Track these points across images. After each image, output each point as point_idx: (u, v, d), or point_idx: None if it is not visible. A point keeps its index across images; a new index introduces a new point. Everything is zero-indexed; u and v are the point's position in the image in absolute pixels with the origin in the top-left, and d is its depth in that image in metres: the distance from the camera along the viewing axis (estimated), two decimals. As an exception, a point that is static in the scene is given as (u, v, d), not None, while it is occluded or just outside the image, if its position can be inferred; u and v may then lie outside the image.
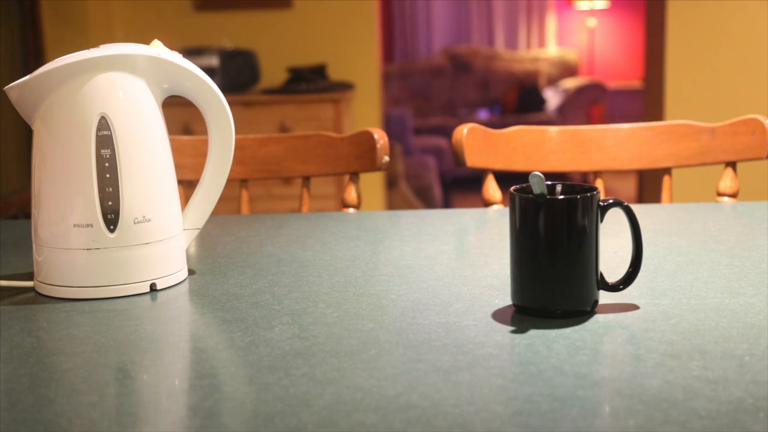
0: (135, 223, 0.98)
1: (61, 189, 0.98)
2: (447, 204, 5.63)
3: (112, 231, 0.97)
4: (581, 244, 0.85)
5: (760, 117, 1.53)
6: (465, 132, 1.55)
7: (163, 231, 1.01)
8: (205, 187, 1.08)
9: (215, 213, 1.19)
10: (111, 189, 0.97)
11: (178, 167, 1.58)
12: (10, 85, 0.98)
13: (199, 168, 1.54)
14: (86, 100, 0.97)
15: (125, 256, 0.98)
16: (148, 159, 1.00)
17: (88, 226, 0.97)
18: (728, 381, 0.70)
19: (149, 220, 0.99)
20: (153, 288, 1.00)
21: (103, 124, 0.97)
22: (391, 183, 4.65)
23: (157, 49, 1.02)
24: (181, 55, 1.04)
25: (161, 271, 1.00)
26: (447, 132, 6.34)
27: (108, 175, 0.97)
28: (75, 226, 0.97)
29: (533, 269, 0.87)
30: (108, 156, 0.97)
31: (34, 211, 1.00)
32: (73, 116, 0.97)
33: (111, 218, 0.97)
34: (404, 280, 1.02)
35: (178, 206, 1.05)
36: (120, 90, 0.98)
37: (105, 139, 0.97)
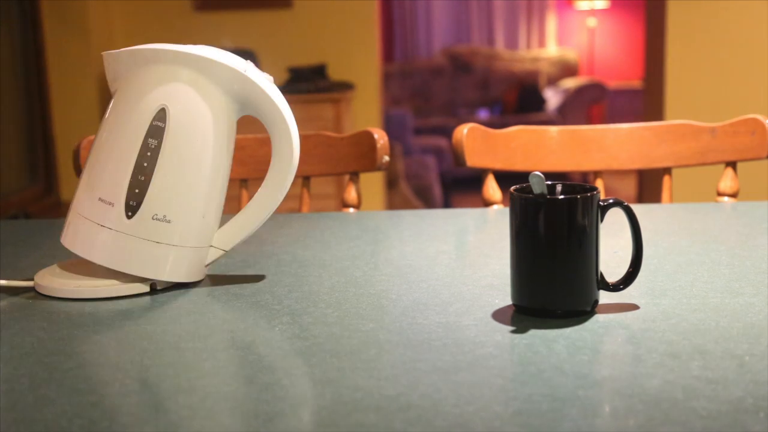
0: (153, 219, 0.97)
1: (104, 161, 0.99)
2: (447, 204, 5.62)
3: (129, 217, 0.97)
4: (581, 244, 0.85)
5: (760, 117, 1.53)
6: (465, 132, 1.55)
7: (179, 237, 0.99)
8: (247, 213, 1.04)
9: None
10: (143, 178, 0.97)
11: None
12: (108, 51, 1.02)
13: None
14: (154, 88, 0.98)
15: (134, 246, 0.97)
16: (190, 164, 0.98)
17: (109, 204, 0.97)
18: (728, 381, 0.70)
19: (168, 221, 0.98)
20: (153, 288, 0.99)
21: (161, 115, 0.97)
22: (391, 183, 4.65)
23: (246, 64, 1.01)
24: (271, 79, 1.02)
25: (163, 274, 0.99)
26: (447, 132, 6.34)
27: (146, 164, 0.97)
28: (99, 199, 0.98)
29: (533, 269, 0.87)
30: (153, 146, 0.97)
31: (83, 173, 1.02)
32: (138, 98, 0.98)
33: (132, 205, 0.97)
34: (404, 280, 1.02)
35: (211, 220, 1.01)
36: (190, 90, 0.98)
37: (157, 130, 0.97)
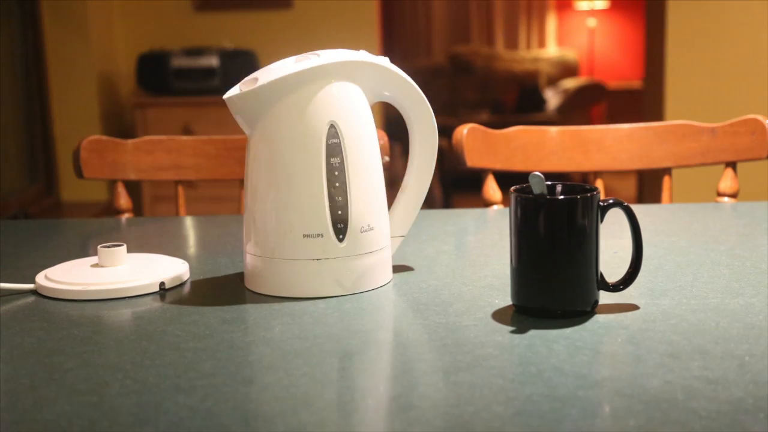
0: (361, 232, 0.97)
1: (289, 199, 0.96)
2: (447, 204, 5.62)
3: (341, 240, 0.96)
4: (581, 244, 0.85)
5: (760, 117, 1.53)
6: (465, 132, 1.55)
7: (382, 239, 0.99)
8: (408, 193, 1.06)
9: (216, 213, 1.18)
10: (340, 198, 0.96)
11: (179, 167, 1.58)
12: (230, 95, 0.96)
13: (199, 168, 1.54)
14: (317, 109, 0.95)
15: (354, 266, 0.96)
16: (371, 167, 0.99)
17: (318, 236, 0.96)
18: (728, 381, 0.70)
19: (372, 229, 0.98)
20: (162, 287, 0.99)
21: (333, 132, 0.95)
22: (391, 183, 4.65)
23: (361, 53, 1.00)
24: (388, 59, 1.02)
25: (382, 280, 1.00)
26: (447, 132, 6.31)
27: (337, 184, 0.96)
28: (305, 236, 0.95)
29: (533, 269, 0.87)
30: (337, 164, 0.96)
31: (249, 221, 0.99)
32: (304, 125, 0.95)
33: (340, 228, 0.96)
34: (404, 280, 1.02)
35: (388, 212, 1.03)
36: (346, 97, 0.97)
37: (334, 148, 0.95)
